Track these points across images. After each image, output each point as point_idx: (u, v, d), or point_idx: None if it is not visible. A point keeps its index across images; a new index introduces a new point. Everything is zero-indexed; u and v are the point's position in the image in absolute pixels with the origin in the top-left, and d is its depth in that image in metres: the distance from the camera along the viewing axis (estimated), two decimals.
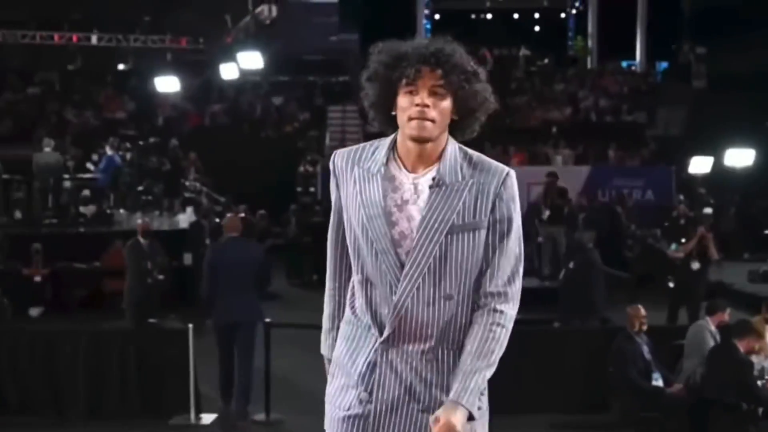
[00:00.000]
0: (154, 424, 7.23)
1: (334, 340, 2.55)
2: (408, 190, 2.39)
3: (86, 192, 13.65)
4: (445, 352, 2.38)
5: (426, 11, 29.00)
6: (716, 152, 16.90)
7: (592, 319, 9.05)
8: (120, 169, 14.32)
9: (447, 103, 2.34)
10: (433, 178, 2.38)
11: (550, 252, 12.08)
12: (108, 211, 13.48)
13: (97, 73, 21.85)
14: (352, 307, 2.51)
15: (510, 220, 2.38)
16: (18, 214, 13.06)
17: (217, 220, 12.34)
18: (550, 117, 21.78)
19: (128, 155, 15.07)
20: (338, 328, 2.53)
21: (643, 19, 27.37)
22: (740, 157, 16.43)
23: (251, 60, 16.64)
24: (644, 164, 18.85)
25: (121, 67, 22.47)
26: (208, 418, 7.37)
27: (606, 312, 9.51)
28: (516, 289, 2.40)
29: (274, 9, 17.54)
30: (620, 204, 15.93)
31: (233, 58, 17.33)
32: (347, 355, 2.46)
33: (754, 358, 6.48)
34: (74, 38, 21.50)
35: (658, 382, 6.47)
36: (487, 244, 2.37)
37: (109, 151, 14.24)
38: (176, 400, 7.38)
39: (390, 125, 2.43)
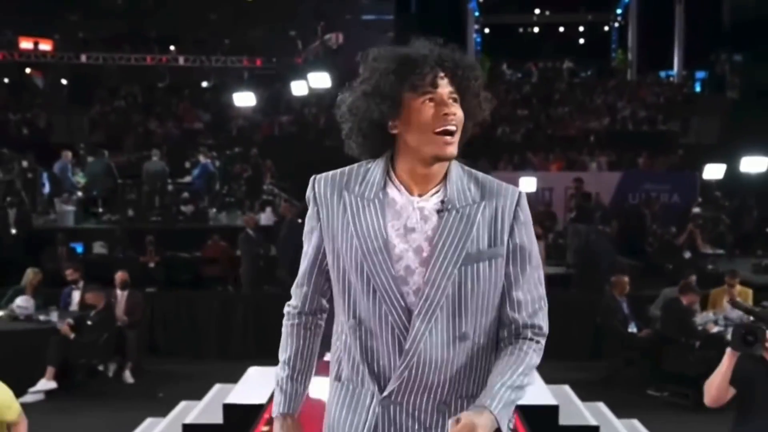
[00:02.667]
0: (267, 363, 10.09)
1: (295, 394, 2.32)
2: (412, 216, 2.16)
3: (185, 194, 16.72)
4: (459, 401, 2.17)
5: (476, 26, 31.65)
6: (736, 160, 19.38)
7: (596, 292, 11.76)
8: (213, 174, 17.42)
9: (461, 113, 2.15)
10: (442, 201, 2.16)
11: (576, 244, 14.82)
12: (203, 211, 16.48)
13: (177, 88, 25.14)
14: (339, 362, 2.28)
15: (531, 244, 2.22)
16: (130, 212, 16.14)
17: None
18: (589, 126, 24.19)
19: (216, 163, 18.13)
20: (301, 375, 2.33)
21: (681, 31, 29.65)
22: (755, 164, 18.89)
23: (320, 80, 19.39)
24: (672, 170, 21.37)
25: (204, 84, 25.70)
26: None
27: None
28: (546, 321, 2.23)
29: (341, 36, 20.40)
30: (647, 206, 18.57)
31: (304, 77, 20.22)
32: (341, 422, 2.23)
33: (710, 314, 9.29)
34: (164, 59, 24.90)
35: (632, 329, 9.30)
36: (508, 274, 2.19)
37: (203, 160, 17.32)
38: None
39: (383, 148, 2.21)
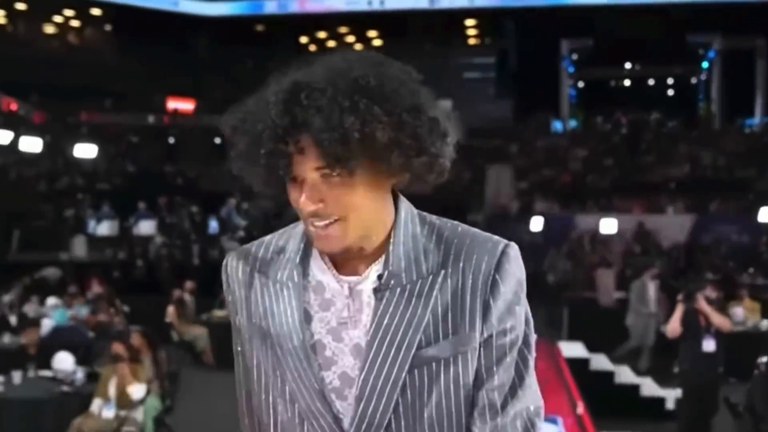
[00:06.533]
0: None
1: None
2: (346, 303, 1.55)
3: None
4: None
5: (570, 81, 35.37)
6: None
7: None
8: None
9: (358, 180, 1.45)
10: (379, 276, 1.53)
11: None
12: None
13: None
14: None
15: (516, 326, 1.54)
16: None
17: None
18: (671, 174, 27.61)
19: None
20: None
21: (763, 82, 33.14)
22: None
23: None
24: (742, 214, 24.97)
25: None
26: None
27: None
28: None
29: (449, 103, 24.77)
30: (716, 246, 22.39)
31: None
32: None
33: None
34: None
35: None
36: (480, 370, 1.54)
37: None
38: None
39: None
